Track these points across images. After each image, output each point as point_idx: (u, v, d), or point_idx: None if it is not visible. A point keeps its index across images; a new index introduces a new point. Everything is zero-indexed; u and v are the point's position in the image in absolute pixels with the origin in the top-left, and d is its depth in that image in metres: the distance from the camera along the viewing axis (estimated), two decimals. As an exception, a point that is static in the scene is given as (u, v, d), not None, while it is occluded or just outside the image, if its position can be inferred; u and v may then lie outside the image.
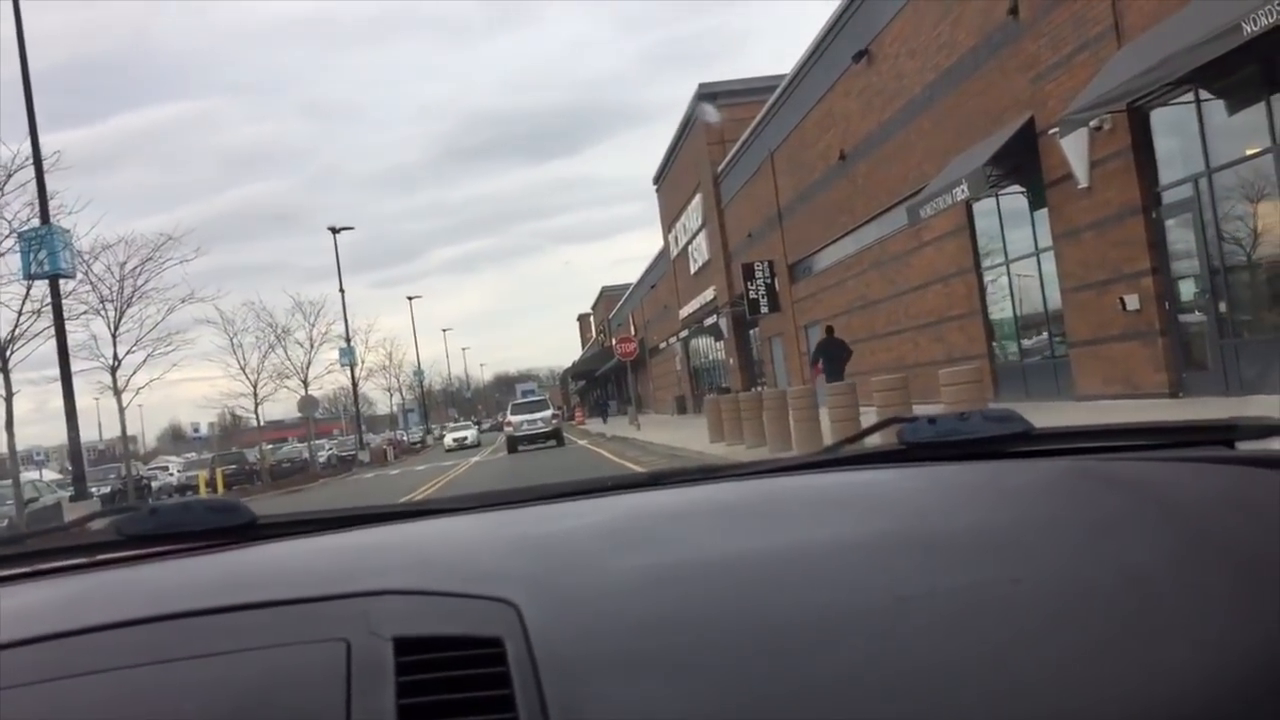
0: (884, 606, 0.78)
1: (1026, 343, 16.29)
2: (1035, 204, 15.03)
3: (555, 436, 33.38)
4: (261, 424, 42.72)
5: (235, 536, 1.11)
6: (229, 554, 1.08)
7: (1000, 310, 16.96)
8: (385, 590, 0.85)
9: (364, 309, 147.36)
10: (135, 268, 26.15)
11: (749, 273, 30.34)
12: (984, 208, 16.65)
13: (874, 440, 1.45)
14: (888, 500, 1.07)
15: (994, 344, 17.17)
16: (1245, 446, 1.12)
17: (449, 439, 55.55)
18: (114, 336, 25.41)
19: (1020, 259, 15.90)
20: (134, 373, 26.08)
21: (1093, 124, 12.48)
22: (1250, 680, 0.72)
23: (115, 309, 25.64)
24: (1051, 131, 13.27)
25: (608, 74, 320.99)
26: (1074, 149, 13.04)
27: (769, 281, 30.03)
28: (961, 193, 14.97)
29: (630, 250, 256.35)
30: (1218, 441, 1.14)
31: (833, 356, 17.87)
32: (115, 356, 25.36)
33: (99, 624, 0.83)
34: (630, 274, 79.42)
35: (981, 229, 17.04)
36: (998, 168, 14.78)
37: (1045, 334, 15.56)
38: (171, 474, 50.55)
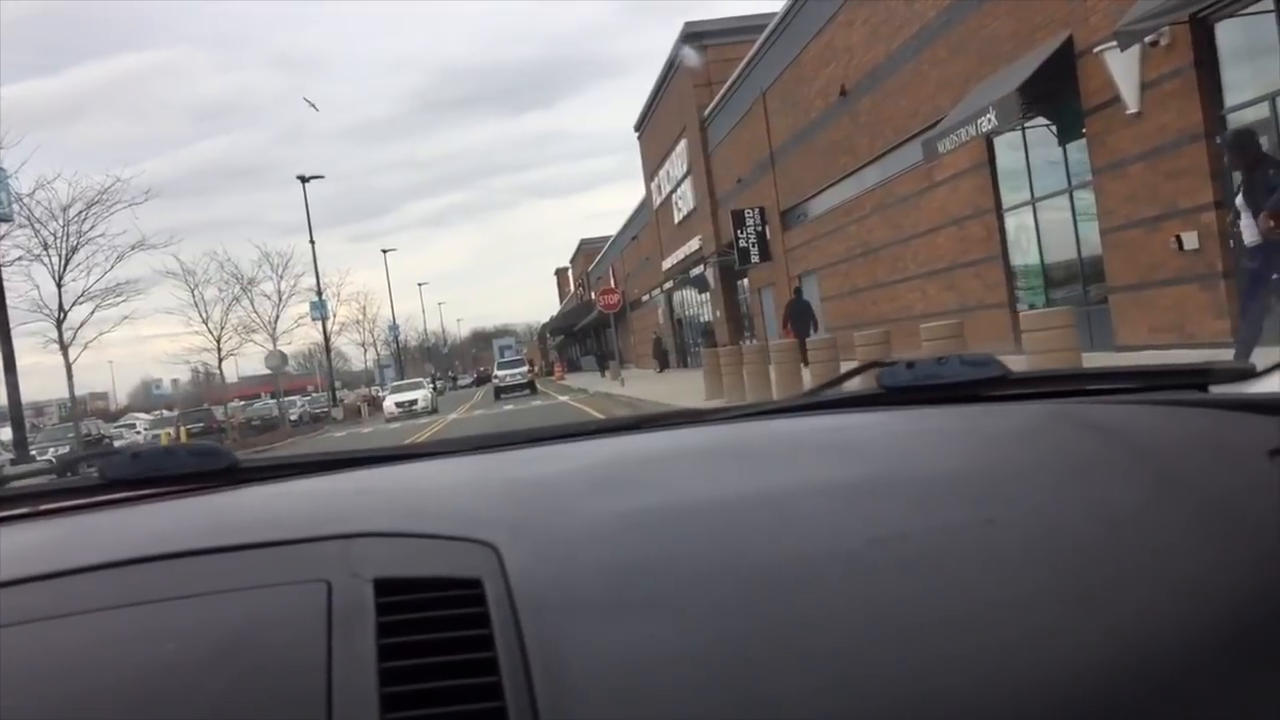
0: (860, 548, 0.78)
1: (1055, 289, 14.91)
2: (1070, 134, 13.60)
3: (530, 386, 44.20)
4: (226, 380, 41.02)
5: (216, 480, 1.10)
6: (210, 497, 1.08)
7: (1024, 254, 15.56)
8: (366, 532, 0.84)
9: (336, 263, 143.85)
10: (81, 212, 24.23)
11: (739, 220, 28.79)
12: (1007, 142, 15.20)
13: (853, 385, 1.45)
14: (865, 443, 1.06)
15: (1016, 291, 15.80)
16: (1218, 390, 1.13)
17: (389, 403, 39.66)
18: (59, 285, 23.53)
19: (1049, 197, 14.49)
20: (81, 325, 24.19)
21: (1148, 40, 11.03)
22: (1221, 620, 0.72)
23: (59, 256, 23.77)
24: (1098, 49, 11.81)
25: (583, 24, 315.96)
26: (1123, 69, 11.61)
27: (760, 229, 28.52)
28: (988, 123, 13.53)
29: (606, 204, 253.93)
30: (1191, 385, 1.15)
31: (800, 316, 19.45)
32: (61, 308, 23.49)
33: (81, 566, 0.83)
34: (606, 228, 77.44)
35: (1004, 165, 15.59)
36: (1026, 96, 13.30)
37: (1079, 279, 14.19)
38: (138, 431, 48.77)
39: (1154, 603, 0.73)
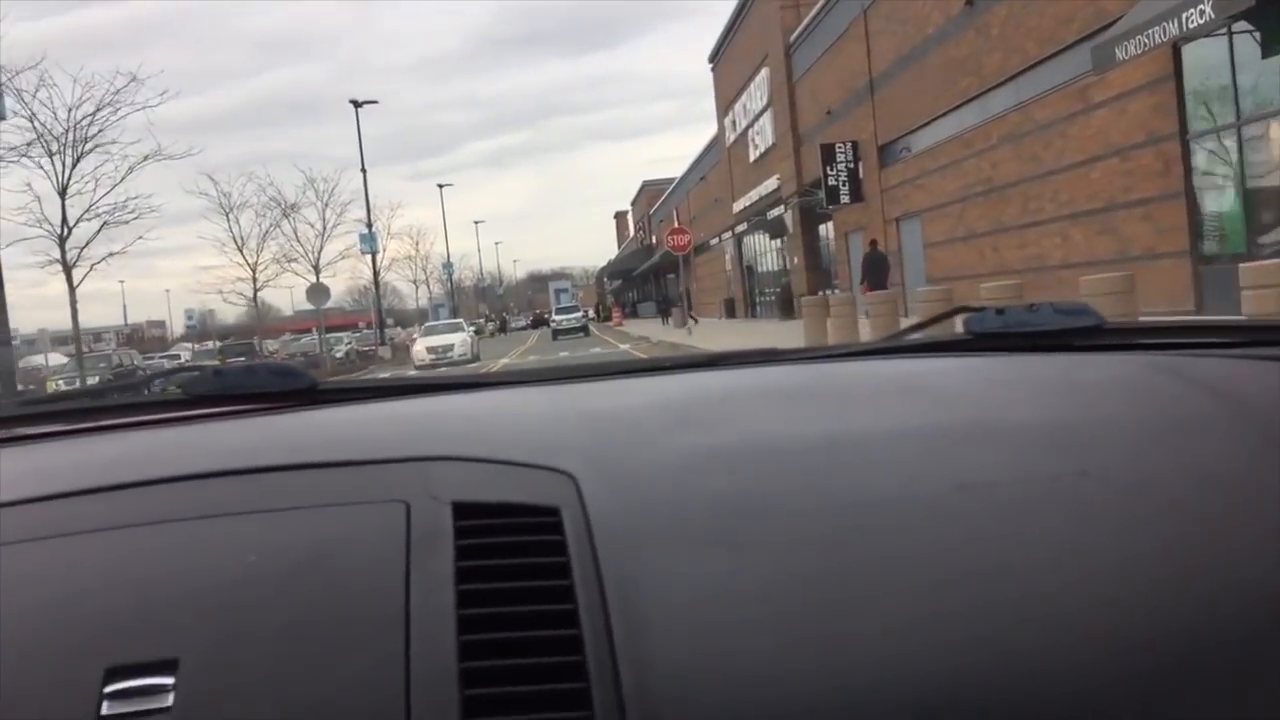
0: (945, 495, 0.77)
1: (1261, 233, 11.89)
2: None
3: (584, 329, 49.77)
4: (266, 311, 38.61)
5: (296, 400, 1.10)
6: (291, 416, 1.08)
7: (1219, 191, 12.54)
8: (445, 456, 0.84)
9: (391, 199, 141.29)
10: (88, 115, 21.72)
11: (828, 155, 25.76)
12: (1201, 49, 12.14)
13: (940, 329, 1.44)
14: (952, 389, 1.04)
15: (1201, 238, 12.80)
16: None
17: (420, 347, 31.93)
18: (63, 197, 21.07)
19: (1265, 117, 11.45)
20: (86, 244, 21.66)
21: None
22: None
23: (63, 164, 21.31)
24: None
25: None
26: None
27: (852, 166, 25.51)
28: (1200, 15, 10.50)
29: (668, 150, 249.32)
30: None
31: (878, 270, 18.71)
32: (65, 223, 21.08)
33: (164, 476, 0.84)
34: (667, 173, 73.58)
35: (1195, 79, 12.53)
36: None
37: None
38: (181, 362, 47.18)
39: (1248, 561, 0.70)
